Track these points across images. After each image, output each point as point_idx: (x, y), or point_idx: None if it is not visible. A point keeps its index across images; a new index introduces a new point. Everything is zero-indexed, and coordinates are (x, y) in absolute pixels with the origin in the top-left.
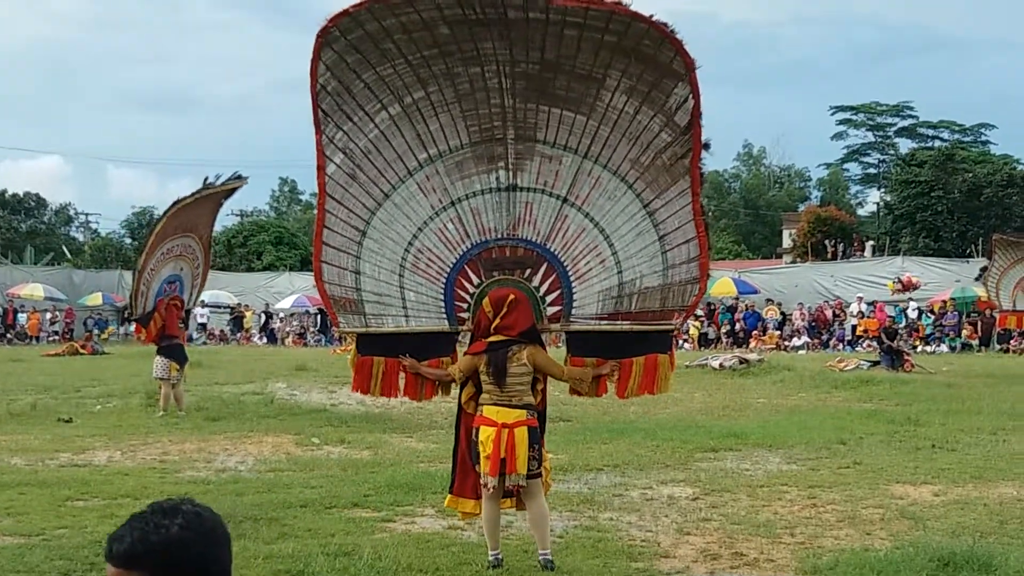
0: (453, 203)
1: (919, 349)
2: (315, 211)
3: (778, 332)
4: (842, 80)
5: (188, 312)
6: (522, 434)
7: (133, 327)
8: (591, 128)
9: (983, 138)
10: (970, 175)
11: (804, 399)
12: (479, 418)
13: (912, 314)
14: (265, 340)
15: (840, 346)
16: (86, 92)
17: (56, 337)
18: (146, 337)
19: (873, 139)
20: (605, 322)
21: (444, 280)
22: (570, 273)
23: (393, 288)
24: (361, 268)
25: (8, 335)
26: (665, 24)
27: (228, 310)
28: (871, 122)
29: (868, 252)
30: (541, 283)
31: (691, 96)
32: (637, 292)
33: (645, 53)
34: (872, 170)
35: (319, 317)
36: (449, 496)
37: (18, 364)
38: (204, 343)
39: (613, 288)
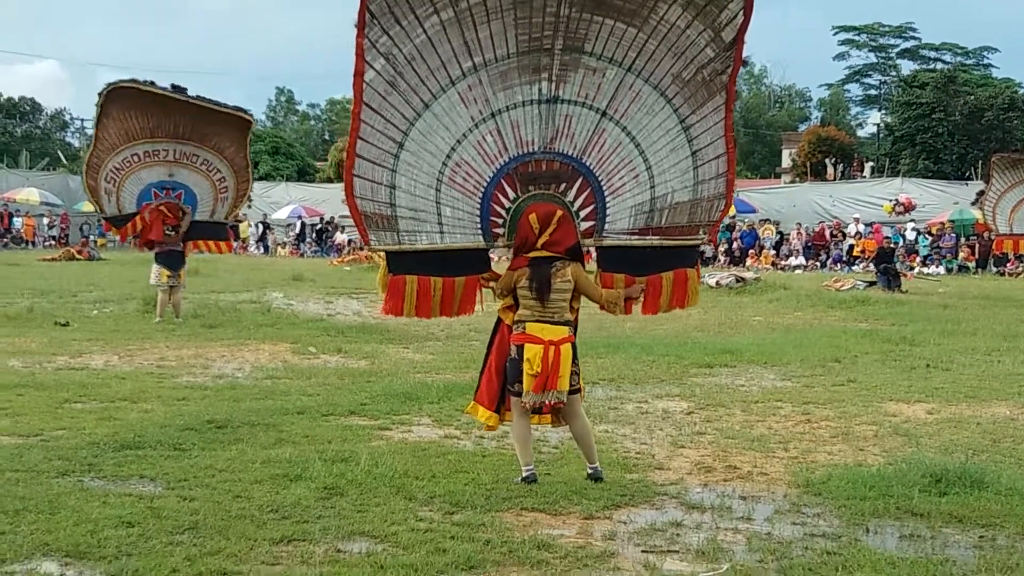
0: (493, 115)
1: (915, 271)
2: (313, 122)
3: (775, 252)
4: (844, 0)
5: (220, 224)
6: (567, 351)
7: (102, 225)
8: (639, 41)
9: (985, 61)
10: (971, 98)
11: (800, 318)
12: (522, 335)
13: (910, 235)
14: (262, 250)
15: (837, 266)
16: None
17: (52, 242)
18: (120, 236)
19: (875, 60)
20: (636, 237)
21: (481, 194)
22: (604, 188)
23: (429, 203)
24: (396, 182)
25: (4, 239)
26: None
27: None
28: (873, 43)
29: (867, 173)
30: (576, 198)
31: (742, 11)
32: (668, 207)
33: None
34: (873, 91)
35: (316, 229)
36: (472, 402)
37: (14, 268)
38: (201, 252)
39: (645, 203)
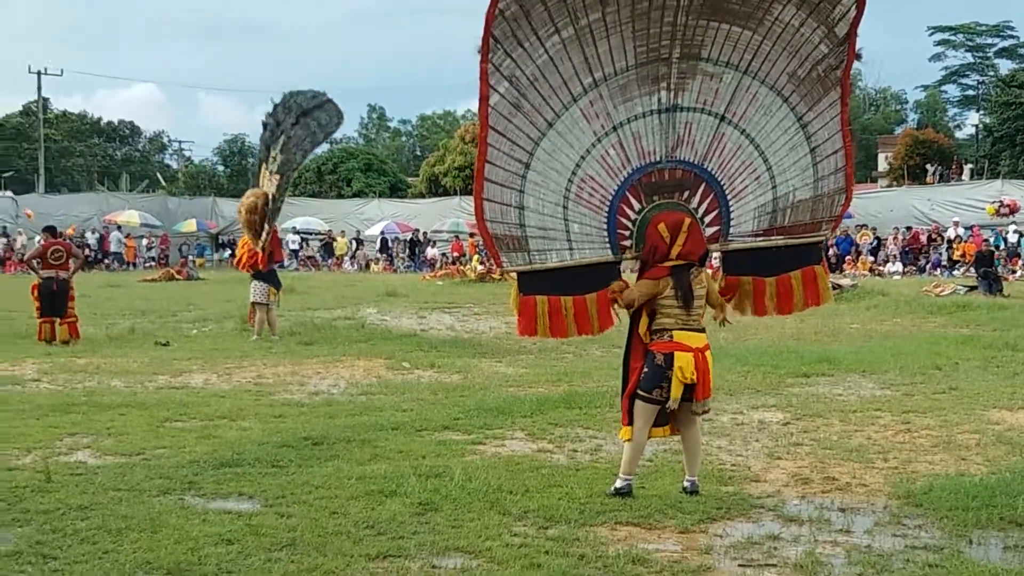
0: (615, 128)
1: (1018, 274)
2: (404, 138)
3: (872, 257)
4: (940, 0)
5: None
6: (711, 358)
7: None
8: (755, 43)
9: None
10: None
11: (898, 324)
12: (670, 343)
13: (1012, 238)
14: (356, 267)
15: (936, 271)
16: (173, 22)
17: (152, 263)
18: (262, 264)
19: (972, 60)
20: (761, 238)
21: (607, 208)
22: (727, 192)
23: (558, 221)
24: (525, 202)
25: (106, 261)
26: None
27: (319, 236)
28: (970, 43)
29: (966, 175)
30: (699, 204)
31: (855, 5)
32: (790, 206)
33: None
34: (971, 92)
35: (408, 244)
36: (625, 428)
37: (116, 289)
38: (296, 269)
39: (768, 204)
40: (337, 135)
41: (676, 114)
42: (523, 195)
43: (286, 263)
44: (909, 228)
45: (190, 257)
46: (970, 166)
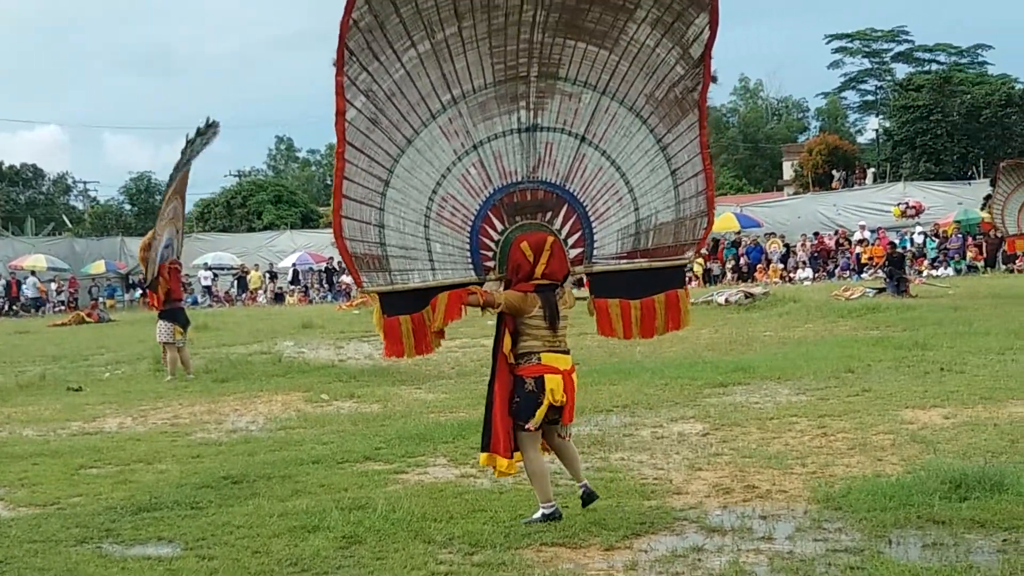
0: (475, 146)
1: (924, 274)
2: (314, 168)
3: (782, 265)
4: (836, 9)
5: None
6: (576, 380)
7: (146, 295)
8: (612, 63)
9: (980, 59)
10: (968, 97)
11: (811, 330)
12: (539, 367)
13: (918, 239)
14: (270, 297)
15: (846, 275)
16: (77, 59)
17: (62, 307)
18: (157, 303)
19: (869, 66)
20: (625, 261)
21: (470, 228)
22: (589, 213)
23: (419, 240)
24: (385, 221)
25: (13, 307)
26: None
27: (232, 271)
28: (867, 49)
29: (869, 179)
30: (562, 225)
31: (708, 27)
32: (653, 228)
33: None
34: (870, 97)
35: (323, 274)
36: (484, 454)
37: (25, 336)
38: (209, 305)
39: (631, 226)
40: (245, 168)
41: (536, 134)
42: (383, 213)
43: (199, 299)
44: (816, 234)
45: (100, 299)
46: (872, 170)
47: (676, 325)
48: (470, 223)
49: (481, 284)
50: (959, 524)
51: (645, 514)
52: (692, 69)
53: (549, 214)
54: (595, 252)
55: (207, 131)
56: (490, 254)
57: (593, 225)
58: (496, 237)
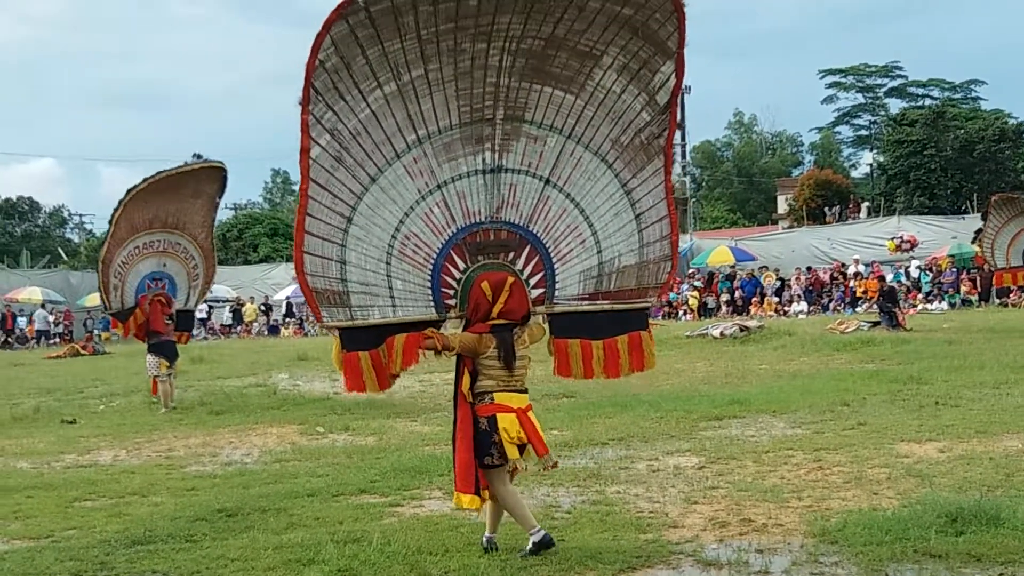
0: (439, 186)
1: (919, 308)
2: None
3: (777, 298)
4: (830, 44)
5: (189, 312)
6: (534, 417)
7: (110, 322)
8: (577, 108)
9: (973, 94)
10: (962, 131)
11: (806, 363)
12: (492, 406)
13: (914, 273)
14: (266, 332)
15: (840, 308)
16: (72, 93)
17: (57, 339)
18: (124, 332)
19: (863, 101)
20: (586, 302)
21: (431, 267)
22: (552, 255)
23: (380, 277)
24: (347, 257)
25: (8, 339)
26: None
27: (227, 304)
28: (860, 84)
29: (863, 213)
30: (524, 265)
31: (674, 74)
32: (616, 271)
33: (650, 27)
34: (864, 132)
35: None
36: (456, 493)
37: (20, 368)
38: (205, 338)
39: (593, 268)
40: (241, 201)
41: (501, 175)
42: (345, 249)
43: (195, 332)
44: (810, 268)
45: (95, 331)
46: (867, 204)
47: (640, 366)
48: (432, 261)
49: (441, 322)
50: (955, 558)
51: (641, 547)
52: (658, 115)
53: (512, 254)
54: (557, 292)
55: (201, 167)
56: (451, 292)
57: (556, 266)
58: (458, 275)
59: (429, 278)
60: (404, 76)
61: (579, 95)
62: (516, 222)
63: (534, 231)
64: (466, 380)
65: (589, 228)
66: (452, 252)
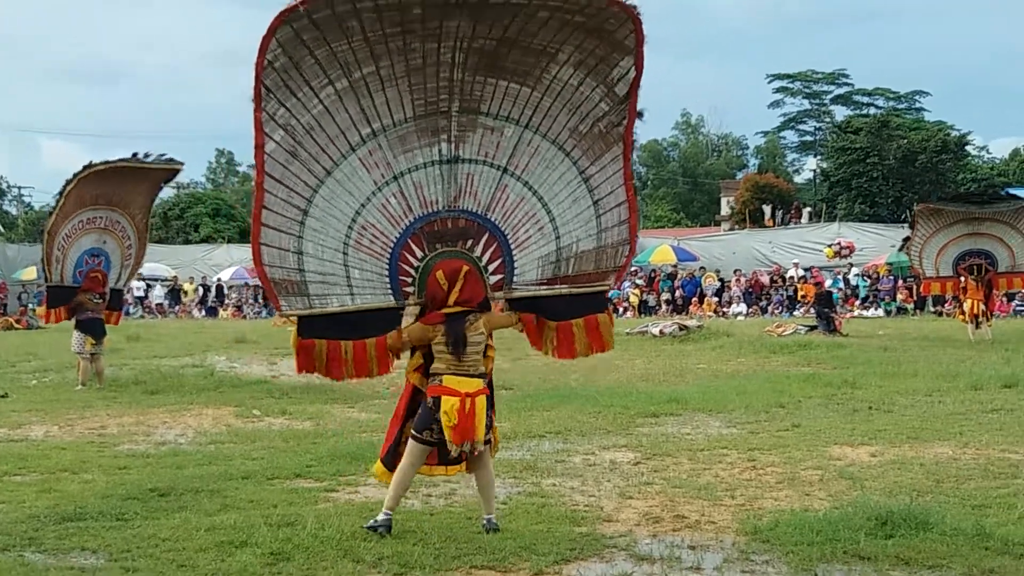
0: (396, 177)
1: (855, 313)
2: (253, 184)
3: (716, 299)
4: (778, 49)
5: (118, 292)
6: (482, 402)
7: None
8: (534, 99)
9: (917, 105)
10: (905, 141)
11: (743, 364)
12: (439, 387)
13: (852, 280)
14: (204, 313)
15: (779, 311)
16: (15, 65)
17: None
18: (44, 318)
19: (809, 107)
20: (544, 287)
21: (388, 255)
22: (510, 241)
23: (337, 267)
24: (303, 248)
25: None
26: (635, 6)
27: (165, 282)
28: (807, 90)
29: (805, 218)
30: (483, 253)
31: (634, 68)
32: (574, 256)
33: (605, 30)
34: (808, 137)
35: (259, 290)
36: (379, 465)
37: None
38: (142, 316)
39: (551, 254)
40: (184, 180)
41: (458, 165)
42: (301, 240)
43: (131, 310)
44: (753, 272)
45: (30, 306)
46: (808, 209)
47: (601, 347)
48: (389, 250)
49: (400, 309)
50: (884, 560)
51: (575, 540)
52: (617, 106)
53: (470, 242)
54: (515, 278)
55: (165, 163)
56: (409, 280)
57: (514, 253)
58: (416, 264)
59: (387, 267)
60: (355, 73)
61: (535, 88)
62: (474, 210)
63: (492, 219)
64: (414, 360)
65: (547, 215)
66: (410, 241)
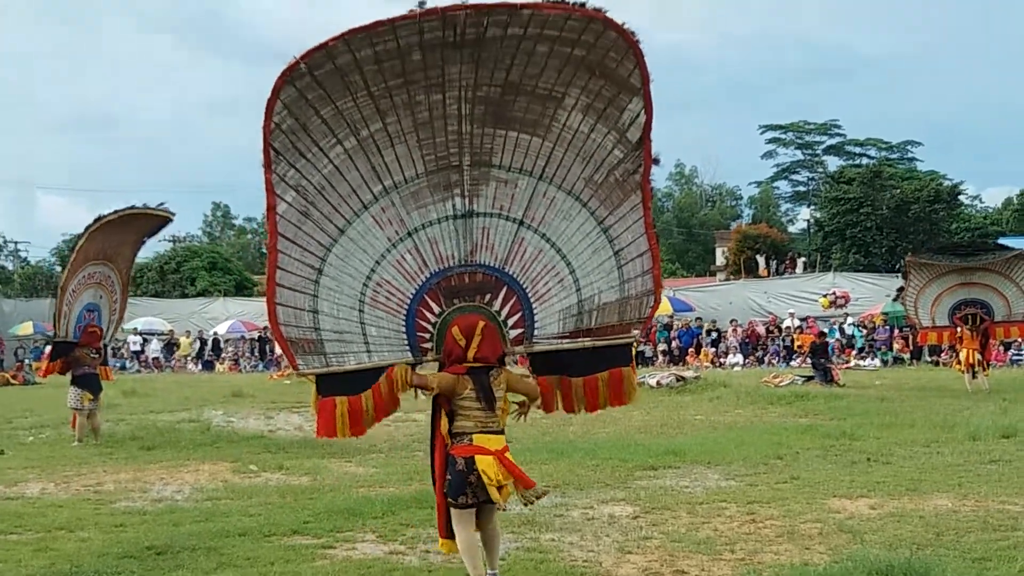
0: (410, 233)
1: (852, 363)
2: (250, 236)
3: (713, 350)
4: (771, 101)
5: (105, 347)
6: (510, 459)
7: (42, 358)
8: (546, 150)
9: (909, 155)
10: (898, 191)
11: (740, 415)
12: (469, 447)
13: (848, 330)
14: (200, 367)
15: (775, 362)
16: (12, 119)
17: None
18: (43, 371)
19: (802, 157)
20: (567, 340)
21: (405, 312)
22: (530, 295)
23: (353, 324)
24: (319, 307)
25: None
26: (633, 33)
27: (161, 336)
28: (799, 140)
29: (800, 268)
30: (502, 307)
31: (643, 111)
32: (596, 308)
33: (607, 67)
34: (802, 187)
35: (255, 343)
36: (443, 540)
37: None
38: (138, 371)
39: (573, 306)
40: (180, 233)
41: (472, 219)
42: (316, 299)
43: (128, 364)
44: (749, 321)
45: (26, 361)
46: (803, 259)
47: (620, 401)
48: (405, 307)
49: (416, 365)
50: None
51: None
52: (631, 152)
53: (488, 296)
54: (536, 332)
55: (156, 211)
56: (427, 336)
57: (534, 306)
58: (433, 319)
59: (404, 323)
60: (363, 131)
61: (546, 137)
62: (491, 264)
63: (510, 272)
64: (444, 422)
65: (567, 267)
66: (426, 297)
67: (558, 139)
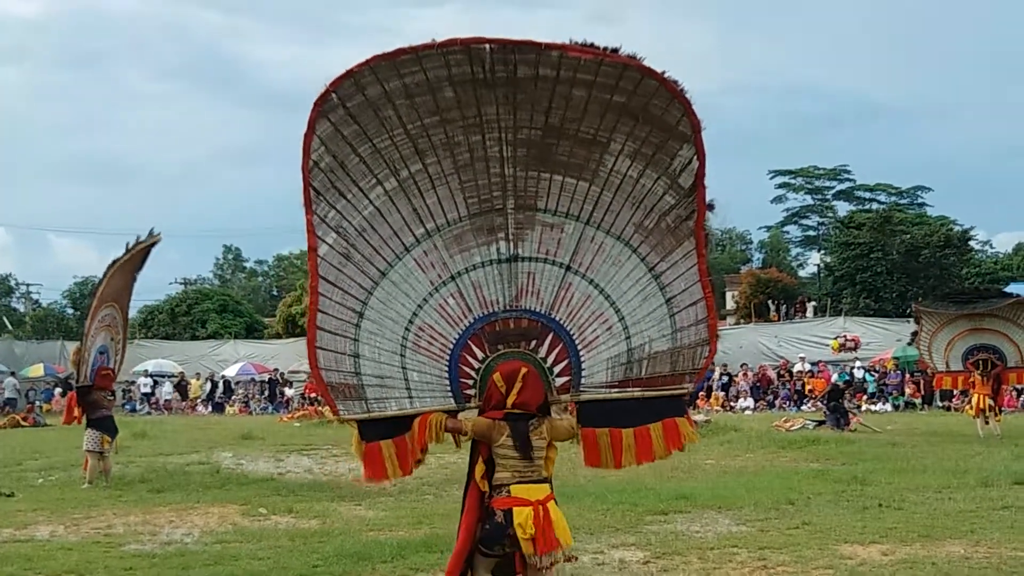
0: (453, 277)
1: (863, 408)
2: (260, 278)
3: (723, 393)
4: (780, 147)
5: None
6: (555, 508)
7: (66, 403)
8: (593, 194)
9: (919, 200)
10: (908, 236)
11: (751, 459)
12: (507, 499)
13: (858, 373)
14: (210, 409)
15: (786, 406)
16: (26, 162)
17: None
18: (66, 418)
19: (812, 202)
20: (616, 390)
21: (448, 357)
22: (577, 342)
23: (395, 369)
24: (360, 351)
25: None
26: (676, 82)
27: (172, 378)
28: (809, 185)
29: (810, 313)
30: (548, 354)
31: (696, 157)
32: (647, 357)
33: (652, 114)
34: (812, 232)
35: (265, 385)
36: None
37: None
38: (148, 413)
39: (622, 355)
40: (191, 276)
41: (517, 264)
42: (358, 343)
43: (138, 407)
44: (760, 366)
45: (37, 403)
46: (813, 304)
47: (679, 446)
48: (448, 352)
49: (459, 412)
50: None
51: None
52: (684, 199)
53: (533, 342)
54: (583, 380)
55: (147, 240)
56: (471, 382)
57: (581, 353)
58: (477, 365)
59: (446, 369)
60: (403, 172)
61: (593, 181)
62: (537, 310)
63: (556, 318)
64: (480, 468)
65: (616, 314)
66: (470, 342)
67: (606, 183)
